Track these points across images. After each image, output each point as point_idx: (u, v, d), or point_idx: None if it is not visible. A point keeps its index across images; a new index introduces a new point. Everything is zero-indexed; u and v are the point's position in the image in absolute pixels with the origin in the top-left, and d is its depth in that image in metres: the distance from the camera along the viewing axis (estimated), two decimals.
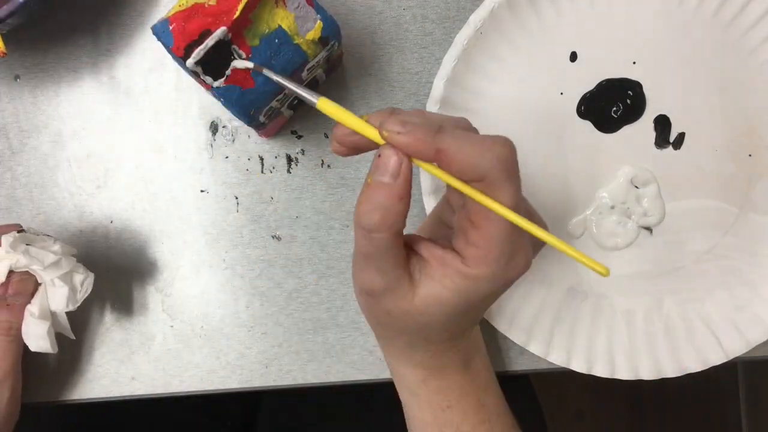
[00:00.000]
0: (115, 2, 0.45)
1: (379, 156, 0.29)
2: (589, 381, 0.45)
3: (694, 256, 0.44)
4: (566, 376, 0.45)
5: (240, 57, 0.35)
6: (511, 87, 0.43)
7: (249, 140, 0.45)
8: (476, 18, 0.41)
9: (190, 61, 0.34)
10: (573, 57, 0.43)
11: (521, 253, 0.30)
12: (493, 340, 0.45)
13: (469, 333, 0.37)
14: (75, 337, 0.42)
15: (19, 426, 0.42)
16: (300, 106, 0.44)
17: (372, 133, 0.29)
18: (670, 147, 0.43)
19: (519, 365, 0.45)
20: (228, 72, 0.35)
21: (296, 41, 0.36)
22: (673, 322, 0.43)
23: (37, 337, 0.39)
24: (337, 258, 0.45)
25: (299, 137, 0.45)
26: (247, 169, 0.45)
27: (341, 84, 0.45)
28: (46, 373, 0.45)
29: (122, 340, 0.45)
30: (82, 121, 0.45)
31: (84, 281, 0.40)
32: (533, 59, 0.43)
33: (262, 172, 0.45)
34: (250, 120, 0.38)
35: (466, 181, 0.29)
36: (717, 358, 0.42)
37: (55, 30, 0.45)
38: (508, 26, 0.42)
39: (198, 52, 0.34)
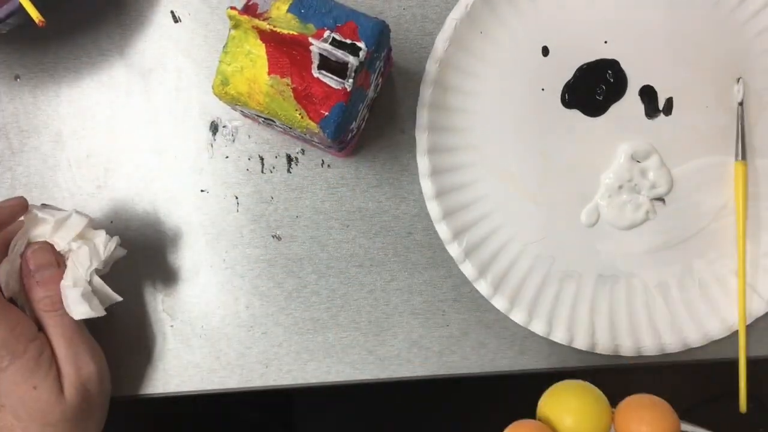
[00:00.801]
0: (115, 2, 0.45)
1: None
2: (587, 380, 0.45)
3: (711, 215, 0.44)
4: (565, 376, 0.45)
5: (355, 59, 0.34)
6: (492, 97, 0.43)
7: (249, 140, 0.45)
8: (442, 38, 0.42)
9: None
10: (545, 51, 0.43)
11: None
12: (516, 340, 0.45)
13: None
14: (122, 298, 0.41)
15: None
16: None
17: None
18: (662, 114, 0.44)
19: (518, 365, 0.45)
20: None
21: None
22: (707, 284, 0.44)
23: (76, 304, 0.38)
24: (337, 258, 0.45)
25: None
26: (247, 169, 0.45)
27: None
28: None
29: (122, 340, 0.45)
30: (82, 121, 0.45)
31: (107, 242, 0.40)
32: (506, 64, 0.43)
33: (262, 172, 0.45)
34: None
35: None
36: (759, 308, 0.43)
37: (55, 30, 0.45)
38: (474, 39, 0.42)
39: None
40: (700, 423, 0.37)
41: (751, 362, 0.44)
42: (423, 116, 0.42)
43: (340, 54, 0.33)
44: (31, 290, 0.39)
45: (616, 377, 0.44)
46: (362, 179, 0.45)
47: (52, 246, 0.40)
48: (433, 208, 0.42)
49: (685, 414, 0.34)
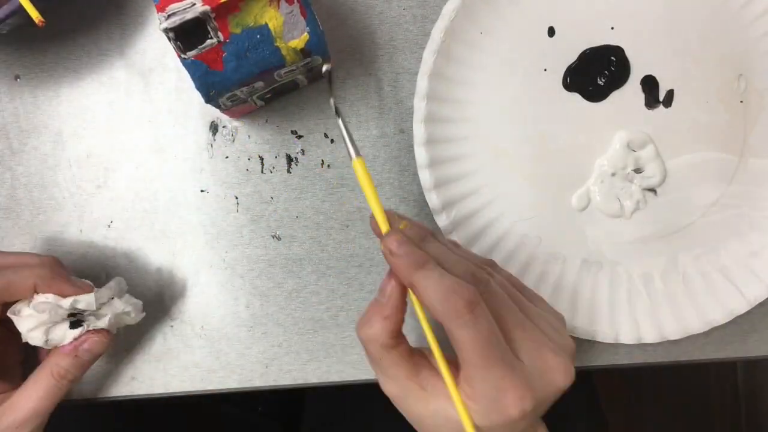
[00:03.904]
0: (115, 2, 0.45)
1: (385, 278, 0.33)
2: (586, 380, 0.45)
3: (701, 210, 0.44)
4: None
5: (218, 39, 0.36)
6: (493, 72, 0.43)
7: (249, 140, 0.45)
8: (449, 9, 0.41)
9: (161, 25, 0.34)
10: (551, 32, 0.43)
11: (509, 394, 0.31)
12: None
13: None
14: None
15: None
16: (276, 100, 0.44)
17: (381, 228, 0.33)
18: (661, 106, 0.44)
19: None
20: (200, 47, 0.36)
21: (277, 44, 0.36)
22: (691, 278, 0.44)
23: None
24: (337, 258, 0.45)
25: (299, 137, 0.45)
26: (247, 169, 0.45)
27: (342, 84, 0.45)
28: None
29: (122, 340, 0.45)
30: (82, 121, 0.45)
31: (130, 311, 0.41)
32: (512, 41, 0.43)
33: (262, 172, 0.45)
34: (209, 99, 0.38)
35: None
36: (741, 308, 0.43)
37: (55, 30, 0.45)
38: (482, 12, 0.42)
39: (172, 20, 0.34)
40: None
41: (752, 362, 0.44)
42: (423, 84, 0.42)
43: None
44: (60, 356, 0.39)
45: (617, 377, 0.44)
46: None
47: (110, 340, 0.40)
48: (425, 177, 0.42)
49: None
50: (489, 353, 0.30)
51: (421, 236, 0.33)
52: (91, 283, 0.40)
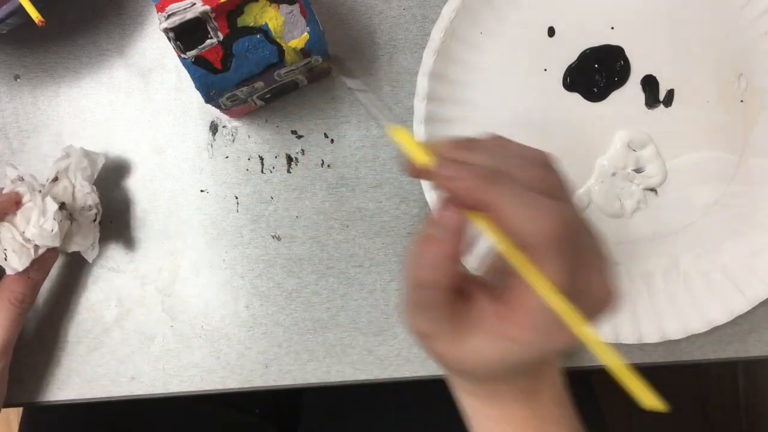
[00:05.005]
0: (115, 2, 0.45)
1: (439, 210, 0.28)
2: (585, 379, 0.45)
3: (702, 209, 0.44)
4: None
5: (218, 39, 0.36)
6: (493, 73, 0.43)
7: (249, 140, 0.45)
8: (449, 9, 0.41)
9: (161, 25, 0.35)
10: (551, 32, 0.43)
11: (567, 327, 0.28)
12: None
13: (531, 374, 0.33)
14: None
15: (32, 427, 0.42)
16: (276, 100, 0.44)
17: (419, 156, 0.28)
18: (662, 105, 0.44)
19: None
20: (200, 47, 0.36)
21: (277, 44, 0.36)
22: (692, 278, 0.44)
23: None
24: (337, 258, 0.45)
25: (299, 137, 0.45)
26: (247, 169, 0.45)
27: (342, 84, 0.45)
28: (46, 374, 0.45)
29: (122, 340, 0.45)
30: (82, 121, 0.45)
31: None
32: (512, 41, 0.43)
33: (262, 172, 0.45)
34: (209, 99, 0.39)
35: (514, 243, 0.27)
36: (742, 307, 0.43)
37: (55, 30, 0.45)
38: (482, 12, 0.42)
39: (172, 20, 0.34)
40: None
41: (752, 362, 0.44)
42: (423, 84, 0.42)
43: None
44: (14, 282, 0.40)
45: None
46: (362, 179, 0.45)
47: (57, 254, 0.41)
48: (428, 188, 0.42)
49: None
50: (570, 287, 0.26)
51: (466, 148, 0.28)
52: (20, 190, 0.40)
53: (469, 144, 0.29)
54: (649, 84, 0.44)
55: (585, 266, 0.29)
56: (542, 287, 0.27)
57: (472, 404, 0.35)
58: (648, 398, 0.26)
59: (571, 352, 0.29)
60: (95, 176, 0.42)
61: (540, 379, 0.35)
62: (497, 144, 0.30)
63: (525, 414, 0.34)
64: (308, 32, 0.37)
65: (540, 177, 0.28)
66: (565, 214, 0.27)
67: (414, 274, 0.28)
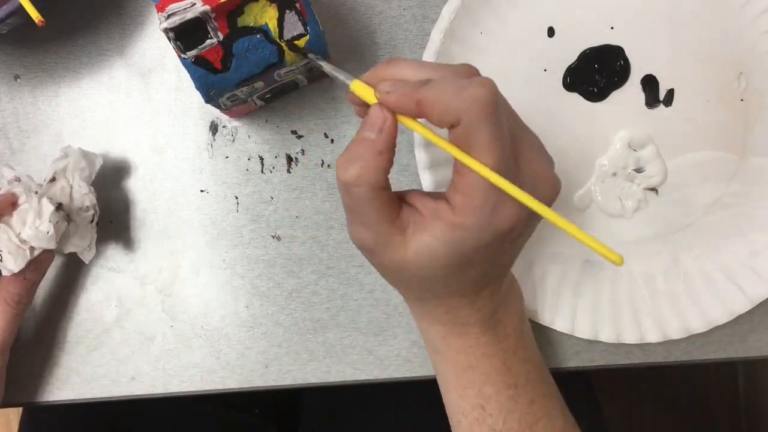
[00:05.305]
0: (115, 2, 0.45)
1: (368, 115, 0.30)
2: (585, 380, 0.45)
3: (702, 209, 0.44)
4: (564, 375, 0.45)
5: (218, 39, 0.36)
6: (493, 73, 0.42)
7: (249, 140, 0.45)
8: (449, 9, 0.41)
9: (161, 25, 0.35)
10: (551, 32, 0.43)
11: (509, 203, 0.29)
12: None
13: (489, 293, 0.34)
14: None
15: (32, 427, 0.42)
16: (276, 100, 0.44)
17: (370, 97, 0.30)
18: (662, 105, 0.44)
19: None
20: (200, 47, 0.36)
21: (277, 44, 0.36)
22: (693, 277, 0.44)
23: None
24: (337, 258, 0.45)
25: (299, 137, 0.45)
26: (247, 169, 0.45)
27: (341, 84, 0.45)
28: (46, 374, 0.45)
29: (122, 340, 0.45)
30: (82, 121, 0.45)
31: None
32: (512, 41, 0.43)
33: (262, 172, 0.45)
34: (209, 99, 0.39)
35: (448, 128, 0.28)
36: (742, 307, 0.43)
37: (55, 30, 0.45)
38: (482, 12, 0.42)
39: (172, 20, 0.34)
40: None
41: (752, 362, 0.44)
42: None
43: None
44: (10, 283, 0.40)
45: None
46: None
47: (53, 255, 0.42)
48: (425, 178, 0.42)
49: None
50: (504, 155, 0.28)
51: (386, 65, 0.31)
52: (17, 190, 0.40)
53: (393, 62, 0.31)
54: (649, 84, 0.44)
55: (519, 141, 0.30)
56: (476, 165, 0.28)
57: (435, 333, 0.35)
58: (608, 253, 0.27)
59: (522, 232, 0.30)
60: (93, 177, 0.42)
61: (502, 307, 0.35)
62: (431, 64, 0.32)
63: (488, 341, 0.35)
64: (308, 32, 0.37)
65: (470, 73, 0.31)
66: (491, 86, 0.28)
67: (343, 175, 0.30)
